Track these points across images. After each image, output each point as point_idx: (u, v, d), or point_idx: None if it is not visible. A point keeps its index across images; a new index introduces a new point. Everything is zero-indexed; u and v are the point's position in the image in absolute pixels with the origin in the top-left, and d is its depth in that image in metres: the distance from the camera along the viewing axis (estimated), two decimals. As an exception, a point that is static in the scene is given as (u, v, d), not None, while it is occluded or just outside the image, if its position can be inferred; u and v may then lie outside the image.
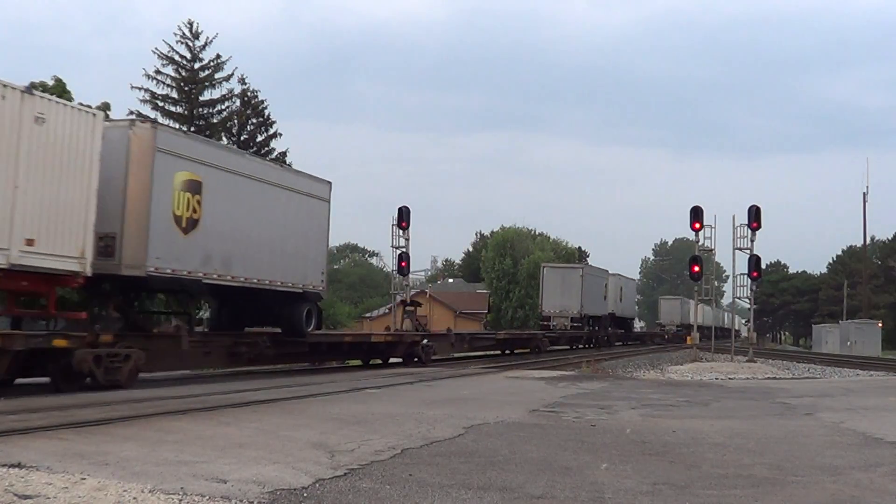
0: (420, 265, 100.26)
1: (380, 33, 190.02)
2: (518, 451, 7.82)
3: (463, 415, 10.60)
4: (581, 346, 43.11)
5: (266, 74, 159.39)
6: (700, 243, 29.53)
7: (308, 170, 20.75)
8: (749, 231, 27.91)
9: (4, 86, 11.77)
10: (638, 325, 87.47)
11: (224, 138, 50.61)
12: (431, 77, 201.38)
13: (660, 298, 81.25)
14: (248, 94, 50.93)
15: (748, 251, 28.20)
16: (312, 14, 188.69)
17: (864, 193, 65.65)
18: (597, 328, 45.54)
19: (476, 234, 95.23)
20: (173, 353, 16.04)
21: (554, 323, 41.69)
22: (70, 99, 33.12)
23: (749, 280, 28.95)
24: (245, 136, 51.31)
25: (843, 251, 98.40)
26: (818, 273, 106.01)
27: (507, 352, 34.42)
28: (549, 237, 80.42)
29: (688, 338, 34.79)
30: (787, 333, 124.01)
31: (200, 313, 39.49)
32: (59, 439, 7.66)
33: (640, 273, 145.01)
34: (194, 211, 15.68)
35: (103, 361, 13.26)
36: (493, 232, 79.16)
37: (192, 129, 49.25)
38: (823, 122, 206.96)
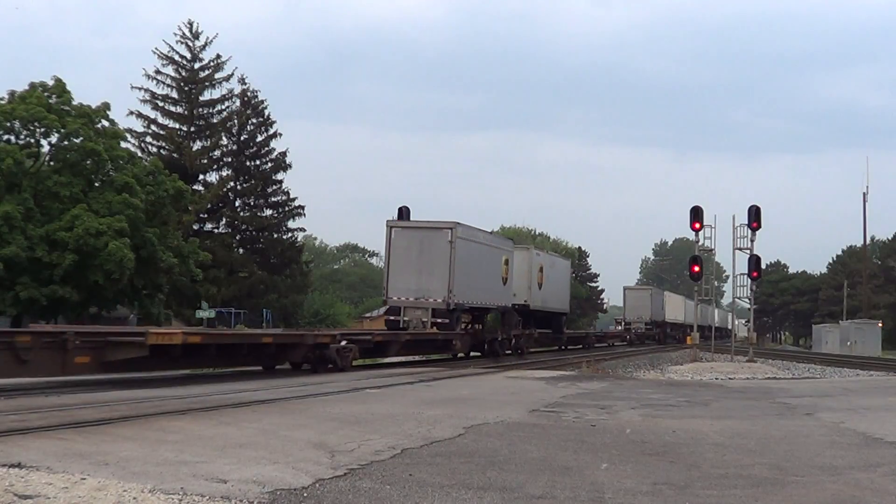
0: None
1: (379, 33, 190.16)
2: (518, 451, 7.81)
3: (463, 415, 10.60)
4: (453, 355, 27.74)
5: (266, 74, 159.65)
6: (700, 243, 29.55)
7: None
8: (749, 231, 27.94)
9: None
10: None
11: (224, 138, 50.68)
12: (431, 76, 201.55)
13: (624, 289, 65.35)
14: (248, 94, 51.00)
15: (748, 251, 28.23)
16: (312, 14, 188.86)
17: (864, 193, 65.80)
18: (481, 326, 30.37)
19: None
20: None
21: (406, 318, 25.70)
22: (69, 99, 33.25)
23: (749, 280, 28.98)
24: (245, 136, 51.31)
25: (843, 251, 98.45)
26: (818, 273, 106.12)
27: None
28: (549, 237, 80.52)
29: (688, 338, 34.72)
30: (787, 333, 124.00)
31: (201, 314, 39.41)
32: (59, 439, 7.65)
33: (640, 273, 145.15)
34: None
35: None
36: (493, 232, 79.17)
37: (192, 128, 49.38)
38: (823, 122, 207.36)
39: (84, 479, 5.82)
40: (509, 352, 31.05)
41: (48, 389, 12.87)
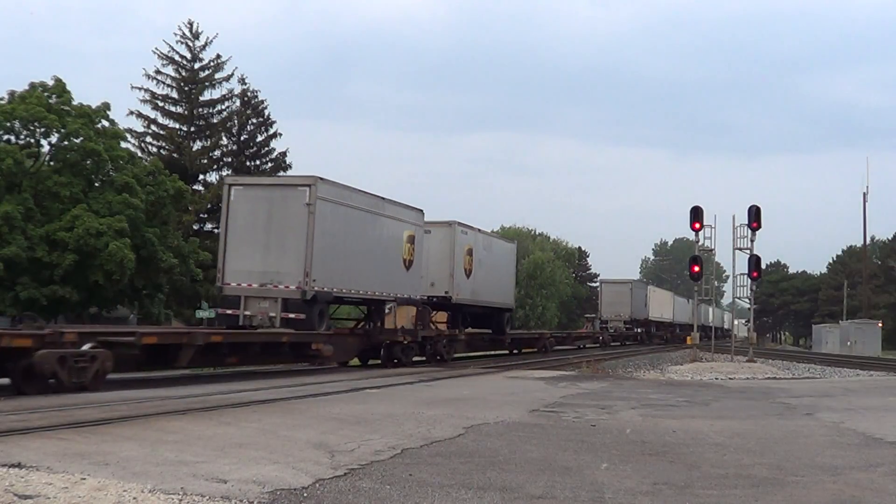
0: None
1: (379, 33, 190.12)
2: (518, 451, 7.81)
3: (463, 415, 10.60)
4: (318, 364, 20.07)
5: (266, 74, 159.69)
6: (700, 243, 29.53)
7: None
8: (749, 231, 27.92)
9: None
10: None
11: (224, 138, 50.70)
12: (431, 76, 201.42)
13: (600, 283, 59.12)
14: (248, 94, 50.96)
15: (748, 251, 28.21)
16: (312, 14, 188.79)
17: (864, 193, 65.65)
18: (378, 323, 22.56)
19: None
20: None
21: (248, 312, 18.85)
22: (69, 98, 33.24)
23: (749, 280, 28.96)
24: (245, 136, 51.33)
25: (843, 251, 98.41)
26: (818, 273, 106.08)
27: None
28: (549, 237, 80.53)
29: (687, 338, 34.59)
30: (787, 333, 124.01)
31: (201, 314, 39.40)
32: (59, 439, 7.65)
33: (640, 273, 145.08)
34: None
35: None
36: (492, 232, 79.20)
37: (192, 128, 49.41)
38: (823, 122, 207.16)
39: (84, 479, 5.83)
40: (421, 357, 24.45)
41: (48, 389, 12.86)
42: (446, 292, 26.46)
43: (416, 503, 5.65)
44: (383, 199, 22.14)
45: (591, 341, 47.54)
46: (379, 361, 22.80)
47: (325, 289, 19.04)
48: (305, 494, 5.74)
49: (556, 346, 40.26)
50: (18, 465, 6.19)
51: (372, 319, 22.63)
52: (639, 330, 55.42)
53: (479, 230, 29.62)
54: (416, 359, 24.13)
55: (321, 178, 19.06)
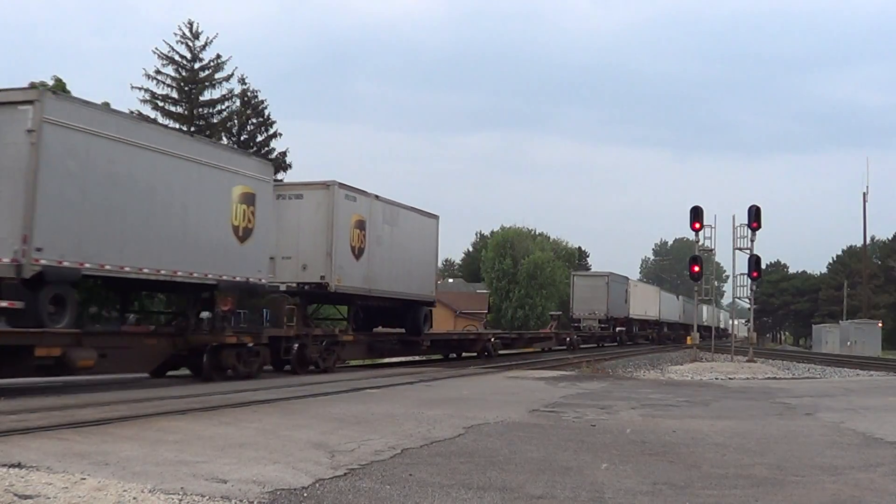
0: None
1: (380, 32, 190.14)
2: (518, 451, 7.81)
3: (463, 415, 10.60)
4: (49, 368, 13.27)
5: (266, 74, 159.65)
6: (700, 243, 29.52)
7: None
8: (749, 231, 27.91)
9: None
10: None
11: (224, 138, 50.71)
12: (431, 76, 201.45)
13: (572, 275, 50.95)
14: (248, 94, 50.97)
15: (748, 251, 28.20)
16: (312, 13, 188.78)
17: (864, 193, 65.62)
18: (199, 319, 16.86)
19: (476, 234, 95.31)
20: None
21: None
22: (70, 99, 33.23)
23: (749, 280, 28.95)
24: (245, 136, 51.35)
25: (843, 251, 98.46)
26: (818, 273, 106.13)
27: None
28: (549, 237, 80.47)
29: (688, 338, 34.50)
30: (787, 333, 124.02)
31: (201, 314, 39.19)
32: (59, 439, 7.65)
33: (640, 273, 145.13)
34: None
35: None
36: (493, 232, 79.11)
37: (193, 129, 49.41)
38: (823, 122, 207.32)
39: (84, 479, 5.82)
40: (269, 367, 18.43)
41: (48, 389, 12.87)
42: (322, 277, 19.55)
43: (416, 503, 5.65)
44: (193, 136, 17.38)
45: (557, 343, 39.72)
46: (214, 371, 16.26)
47: (65, 262, 12.80)
48: (305, 494, 5.74)
49: (504, 349, 32.26)
50: (18, 465, 6.19)
51: (189, 313, 16.85)
52: (620, 329, 49.00)
53: (378, 197, 22.39)
54: (294, 365, 18.75)
55: (53, 92, 14.59)
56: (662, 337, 59.89)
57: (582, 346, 41.07)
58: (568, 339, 40.15)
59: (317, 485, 6.05)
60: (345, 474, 6.45)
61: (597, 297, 46.31)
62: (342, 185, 20.54)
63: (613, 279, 48.83)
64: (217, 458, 6.95)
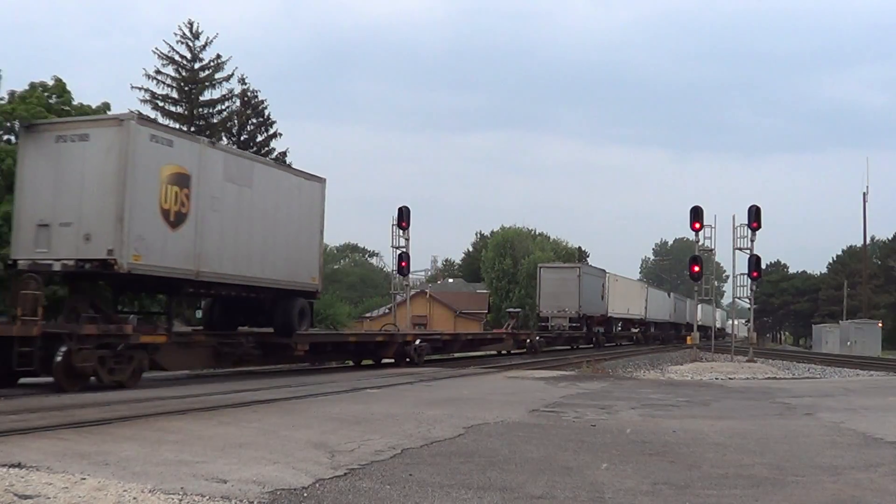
0: (420, 265, 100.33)
1: (379, 32, 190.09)
2: (518, 451, 7.81)
3: (463, 415, 10.60)
4: None
5: (266, 74, 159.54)
6: (700, 243, 29.55)
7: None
8: (749, 231, 27.94)
9: None
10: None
11: (224, 138, 50.73)
12: (431, 76, 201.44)
13: (539, 268, 44.22)
14: (248, 94, 51.01)
15: (748, 251, 28.22)
16: (312, 13, 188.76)
17: (864, 193, 65.56)
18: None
19: (476, 234, 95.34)
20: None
21: None
22: (70, 98, 33.24)
23: (749, 280, 28.96)
24: (245, 136, 51.36)
25: (843, 251, 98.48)
26: (818, 273, 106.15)
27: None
28: (549, 237, 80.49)
29: (688, 338, 34.45)
30: (787, 333, 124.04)
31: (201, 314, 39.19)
32: (59, 439, 7.65)
33: (640, 273, 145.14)
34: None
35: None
36: (493, 232, 79.20)
37: (193, 129, 49.43)
38: (824, 122, 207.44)
39: (84, 479, 5.83)
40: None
41: (48, 389, 12.87)
42: (110, 252, 13.94)
43: (416, 503, 5.65)
44: None
45: (515, 345, 33.63)
46: None
47: None
48: (305, 494, 5.74)
49: (434, 353, 25.68)
50: (18, 465, 6.20)
51: None
52: (595, 330, 43.51)
53: (215, 144, 18.00)
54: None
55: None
56: (649, 338, 55.17)
57: (547, 348, 35.96)
58: (528, 340, 34.24)
59: (317, 485, 6.05)
60: (345, 474, 6.45)
61: (567, 293, 40.51)
62: (144, 120, 15.55)
63: (587, 271, 44.13)
64: (217, 458, 6.95)
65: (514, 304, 58.93)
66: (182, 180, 15.25)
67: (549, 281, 41.55)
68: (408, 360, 23.18)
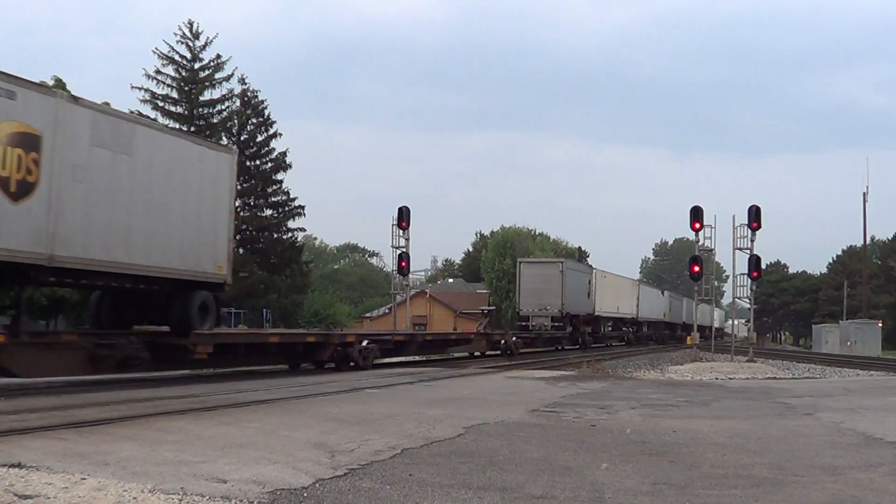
0: (420, 265, 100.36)
1: (379, 32, 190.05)
2: (518, 451, 7.81)
3: (463, 415, 10.60)
4: None
5: (266, 74, 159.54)
6: (700, 243, 29.56)
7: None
8: (749, 231, 27.95)
9: None
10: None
11: (224, 138, 50.73)
12: (431, 76, 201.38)
13: (518, 263, 41.78)
14: (248, 94, 51.02)
15: (748, 251, 28.23)
16: (312, 13, 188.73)
17: (864, 193, 65.54)
18: None
19: (476, 234, 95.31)
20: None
21: None
22: (70, 99, 33.17)
23: (749, 280, 28.97)
24: (245, 136, 51.36)
25: (843, 251, 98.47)
26: (818, 273, 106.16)
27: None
28: (549, 237, 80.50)
29: (688, 338, 34.41)
30: (787, 333, 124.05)
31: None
32: (59, 439, 7.65)
33: (640, 273, 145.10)
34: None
35: None
36: (493, 232, 79.16)
37: (192, 128, 49.43)
38: (824, 122, 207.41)
39: (84, 479, 5.83)
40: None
41: (48, 389, 12.88)
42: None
43: (416, 503, 5.65)
44: None
45: (488, 346, 30.55)
46: None
47: None
48: (305, 494, 5.74)
49: (383, 356, 22.63)
50: (18, 465, 6.19)
51: None
52: (582, 329, 40.55)
53: (80, 100, 13.89)
54: None
55: None
56: (641, 338, 52.62)
57: (525, 350, 32.59)
58: (503, 341, 30.94)
59: (317, 485, 6.05)
60: (345, 474, 6.45)
61: (549, 290, 37.43)
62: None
63: (571, 267, 40.69)
64: (217, 458, 6.95)
65: (513, 304, 58.27)
66: (28, 142, 12.33)
67: (530, 277, 38.89)
68: (352, 363, 19.92)
